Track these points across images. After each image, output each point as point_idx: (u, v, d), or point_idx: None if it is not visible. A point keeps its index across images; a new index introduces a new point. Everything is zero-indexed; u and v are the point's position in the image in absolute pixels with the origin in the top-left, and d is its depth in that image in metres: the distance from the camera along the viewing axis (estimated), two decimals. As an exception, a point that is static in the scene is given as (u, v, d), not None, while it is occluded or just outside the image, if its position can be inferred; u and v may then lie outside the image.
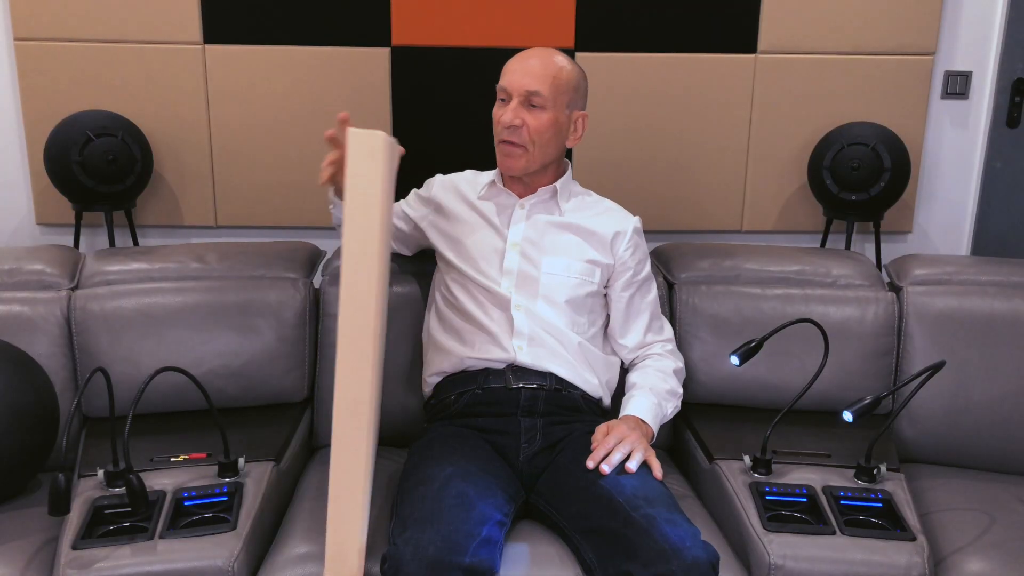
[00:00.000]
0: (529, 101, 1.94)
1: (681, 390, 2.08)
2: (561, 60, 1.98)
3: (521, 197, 2.06)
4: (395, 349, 2.16)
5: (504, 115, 1.95)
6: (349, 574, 1.58)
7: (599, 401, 2.05)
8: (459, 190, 2.12)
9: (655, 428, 1.94)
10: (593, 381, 2.02)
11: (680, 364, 2.11)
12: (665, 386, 2.01)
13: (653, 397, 1.97)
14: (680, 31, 2.75)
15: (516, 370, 1.96)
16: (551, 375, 1.96)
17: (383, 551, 1.63)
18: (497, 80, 2.00)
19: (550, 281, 1.99)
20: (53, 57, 2.66)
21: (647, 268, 2.12)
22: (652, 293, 2.13)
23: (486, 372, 1.97)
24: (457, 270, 2.04)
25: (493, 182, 2.08)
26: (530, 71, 1.94)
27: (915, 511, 1.86)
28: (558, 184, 2.05)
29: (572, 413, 1.97)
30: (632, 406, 1.95)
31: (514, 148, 1.97)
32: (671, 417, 2.05)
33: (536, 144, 1.96)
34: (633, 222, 2.10)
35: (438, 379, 2.04)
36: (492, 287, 1.98)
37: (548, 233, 2.03)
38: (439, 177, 2.16)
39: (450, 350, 2.01)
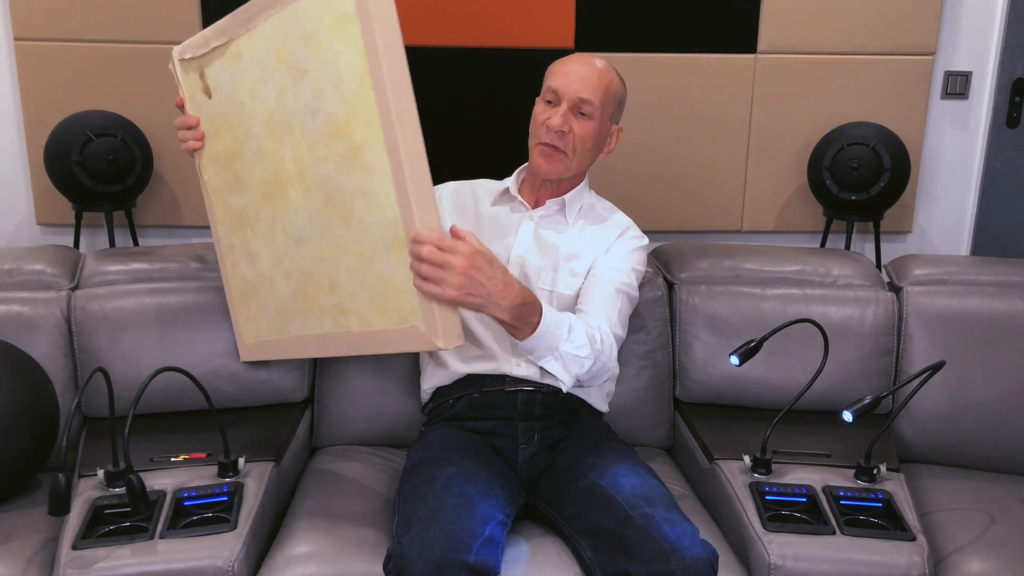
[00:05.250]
0: (579, 108, 1.89)
1: (586, 356, 1.77)
2: (611, 72, 1.95)
3: (533, 207, 2.02)
4: (395, 356, 2.16)
5: (553, 119, 1.89)
6: None
7: (597, 410, 2.05)
8: (473, 197, 2.07)
9: (540, 331, 1.69)
10: (592, 393, 2.00)
11: (592, 351, 1.78)
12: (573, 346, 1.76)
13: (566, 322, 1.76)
14: (680, 31, 2.75)
15: (514, 377, 1.94)
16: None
17: (386, 550, 1.63)
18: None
19: (547, 297, 1.94)
20: (53, 57, 2.66)
21: (622, 278, 1.95)
22: (612, 287, 1.93)
23: (483, 377, 1.95)
24: None
25: (506, 190, 2.04)
26: (586, 79, 1.90)
27: (915, 511, 1.86)
28: (566, 197, 2.00)
29: (570, 416, 1.97)
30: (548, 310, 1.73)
31: (556, 152, 1.92)
32: (557, 367, 1.78)
33: (577, 152, 1.93)
34: (632, 240, 2.01)
35: (436, 386, 2.04)
36: None
37: (550, 249, 1.98)
38: (450, 184, 2.11)
39: (448, 365, 1.99)
